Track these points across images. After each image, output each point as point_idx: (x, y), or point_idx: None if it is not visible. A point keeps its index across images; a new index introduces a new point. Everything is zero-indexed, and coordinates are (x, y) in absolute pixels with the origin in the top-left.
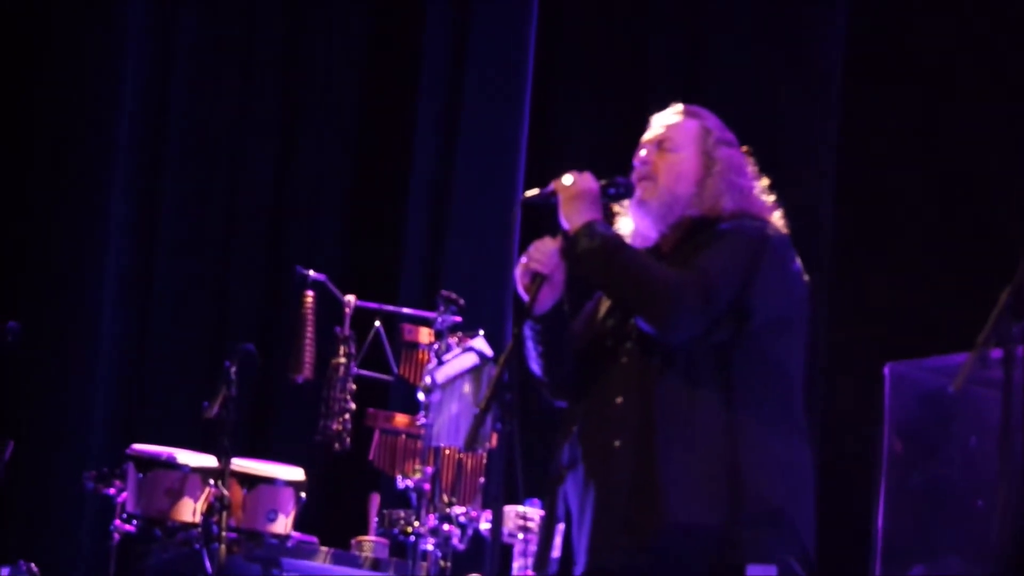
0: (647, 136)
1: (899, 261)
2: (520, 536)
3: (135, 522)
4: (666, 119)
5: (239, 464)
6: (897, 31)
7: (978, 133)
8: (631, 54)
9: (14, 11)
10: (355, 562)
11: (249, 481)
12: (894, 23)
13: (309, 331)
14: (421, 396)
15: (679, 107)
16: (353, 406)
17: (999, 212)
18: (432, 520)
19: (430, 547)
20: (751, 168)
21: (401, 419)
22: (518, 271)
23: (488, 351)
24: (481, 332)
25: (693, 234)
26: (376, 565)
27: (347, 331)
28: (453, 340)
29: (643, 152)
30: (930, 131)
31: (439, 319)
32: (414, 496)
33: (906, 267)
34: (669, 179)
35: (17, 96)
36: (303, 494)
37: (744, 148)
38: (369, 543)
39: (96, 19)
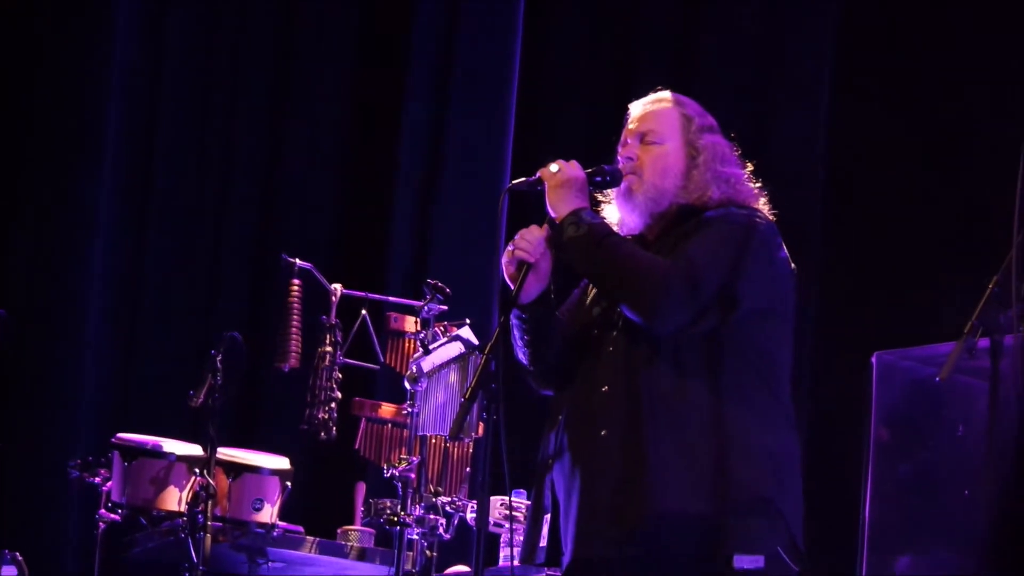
0: (629, 127)
1: (887, 249)
2: (506, 525)
3: (120, 511)
4: (646, 108)
5: (225, 453)
6: (886, 23)
7: (967, 126)
8: (619, 46)
9: (3, 8)
10: (341, 551)
11: (235, 470)
12: (883, 16)
13: (295, 320)
14: (407, 385)
15: (658, 95)
16: (339, 395)
17: (986, 202)
18: (418, 509)
19: (416, 536)
20: (735, 154)
21: (387, 408)
22: (504, 259)
23: (474, 340)
24: (467, 321)
25: (679, 223)
26: (362, 555)
27: (333, 320)
28: (439, 329)
29: (626, 147)
30: (919, 121)
31: (425, 308)
32: (400, 485)
33: (894, 256)
34: (655, 174)
35: (6, 87)
36: (289, 483)
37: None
38: (355, 532)
39: (87, 10)
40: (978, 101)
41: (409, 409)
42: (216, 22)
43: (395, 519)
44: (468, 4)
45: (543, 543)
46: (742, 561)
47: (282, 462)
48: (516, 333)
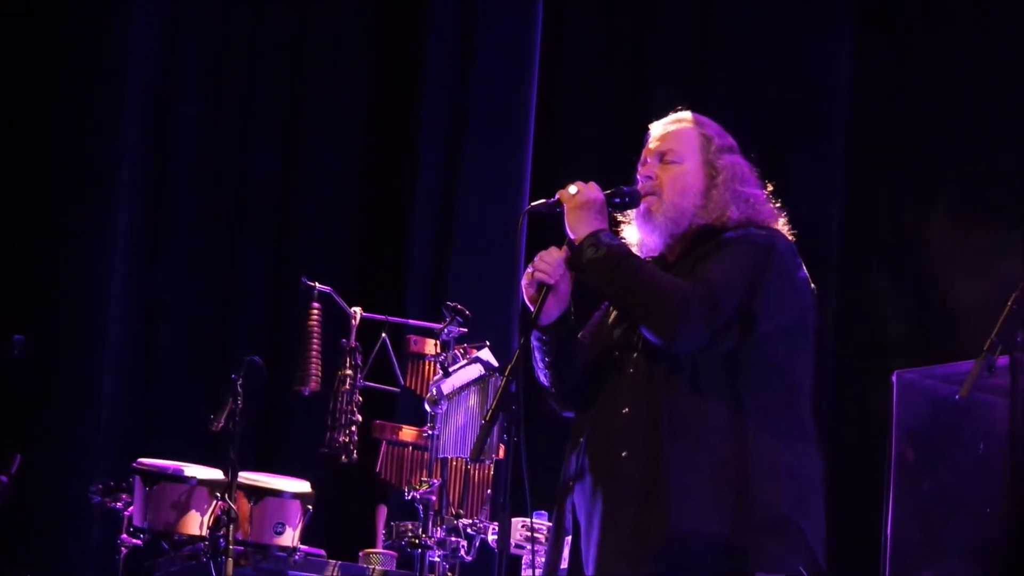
0: (649, 146)
1: (907, 268)
2: (528, 547)
3: (142, 536)
4: (665, 128)
5: (246, 477)
6: (903, 39)
7: (984, 139)
8: (636, 66)
9: (20, 26)
10: (363, 574)
11: (256, 494)
12: (900, 33)
13: (315, 343)
14: (428, 407)
15: (678, 115)
16: (360, 418)
17: (1005, 219)
18: (440, 532)
19: (438, 559)
20: (755, 175)
21: (408, 431)
22: (524, 281)
23: (494, 362)
24: (487, 343)
25: (699, 243)
26: None
27: (353, 343)
28: (459, 351)
29: (646, 166)
30: (938, 136)
31: (445, 330)
32: (421, 508)
33: (914, 274)
34: (674, 193)
35: (24, 110)
36: (310, 506)
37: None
38: (377, 555)
39: (101, 35)
40: (990, 117)
41: (430, 431)
42: (231, 44)
43: (417, 541)
44: (484, 25)
45: (564, 564)
46: None
47: (303, 486)
48: (537, 355)
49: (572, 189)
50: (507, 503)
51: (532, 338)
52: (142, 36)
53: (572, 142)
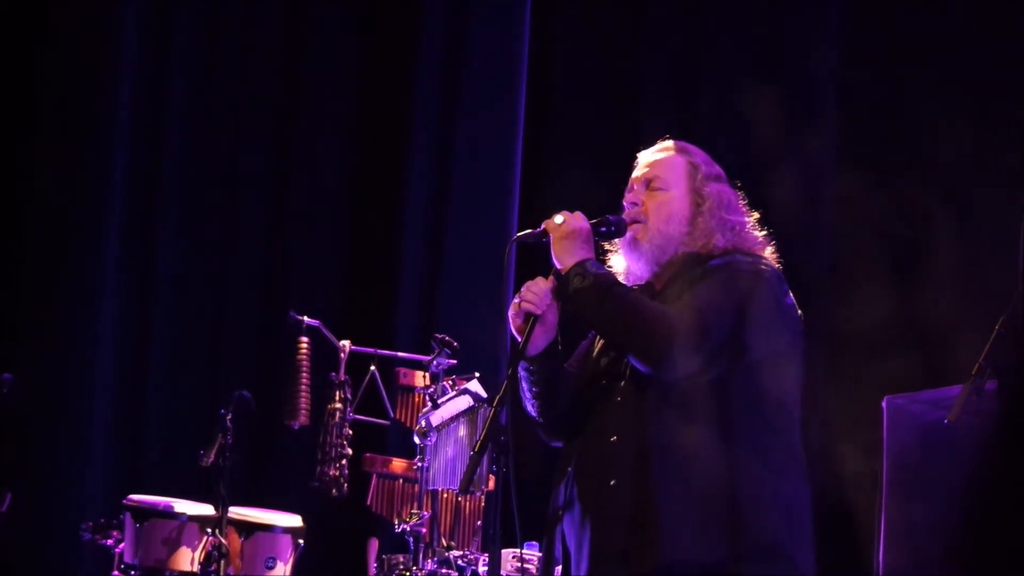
0: (636, 175)
1: (895, 293)
2: None
3: (133, 573)
4: (653, 156)
5: (236, 512)
6: (889, 49)
7: (971, 157)
8: (625, 91)
9: (10, 47)
10: None
11: (247, 529)
12: (886, 41)
13: (304, 377)
14: (417, 439)
15: (666, 143)
16: (350, 451)
17: (992, 243)
18: (431, 564)
19: None
20: (742, 203)
21: (398, 463)
22: (511, 312)
23: (483, 393)
24: (476, 374)
25: (686, 271)
26: None
27: (342, 376)
28: (448, 383)
29: (632, 192)
30: (925, 159)
31: (434, 362)
32: (412, 540)
33: (902, 299)
34: (660, 220)
35: (12, 137)
36: (301, 541)
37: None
38: None
39: (89, 66)
40: (981, 138)
41: (419, 464)
42: (218, 72)
43: (408, 574)
44: (472, 54)
45: None
46: None
47: (294, 520)
48: (524, 385)
49: (558, 219)
50: (497, 534)
51: (520, 369)
52: (131, 63)
53: (560, 171)
